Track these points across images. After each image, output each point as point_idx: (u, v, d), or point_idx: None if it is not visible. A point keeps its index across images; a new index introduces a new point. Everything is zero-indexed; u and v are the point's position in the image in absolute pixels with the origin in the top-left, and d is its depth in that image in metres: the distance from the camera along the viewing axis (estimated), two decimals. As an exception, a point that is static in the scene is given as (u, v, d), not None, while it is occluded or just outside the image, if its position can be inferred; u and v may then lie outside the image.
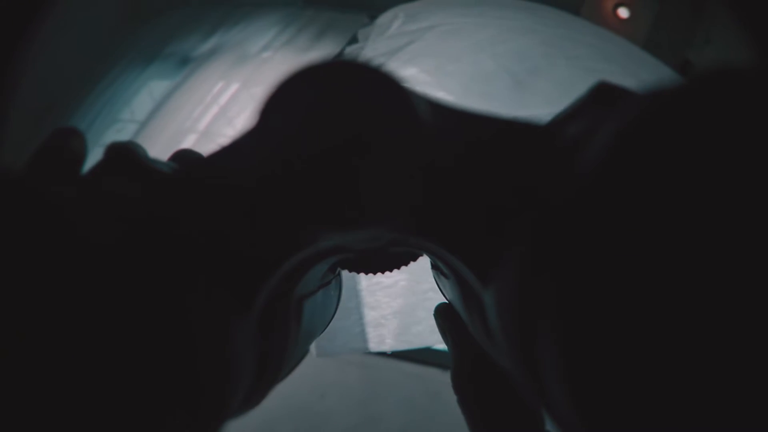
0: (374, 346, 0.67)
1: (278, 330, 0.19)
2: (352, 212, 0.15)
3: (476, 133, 0.16)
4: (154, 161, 0.17)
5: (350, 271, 0.25)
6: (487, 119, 0.16)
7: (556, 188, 0.12)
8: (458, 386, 0.22)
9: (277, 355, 0.19)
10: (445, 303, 0.26)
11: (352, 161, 0.15)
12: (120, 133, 1.26)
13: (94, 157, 0.16)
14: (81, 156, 0.16)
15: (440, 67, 0.64)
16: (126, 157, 0.16)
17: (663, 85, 0.10)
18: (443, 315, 0.25)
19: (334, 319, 0.32)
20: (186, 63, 1.24)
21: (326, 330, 0.31)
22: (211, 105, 1.14)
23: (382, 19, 0.81)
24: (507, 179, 0.15)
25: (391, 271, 0.25)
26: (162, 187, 0.16)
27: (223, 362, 0.15)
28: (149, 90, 1.27)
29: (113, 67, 1.30)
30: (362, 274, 0.25)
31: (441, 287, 0.28)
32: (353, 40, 1.19)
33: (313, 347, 0.63)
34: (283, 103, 0.15)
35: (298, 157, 0.15)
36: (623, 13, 1.36)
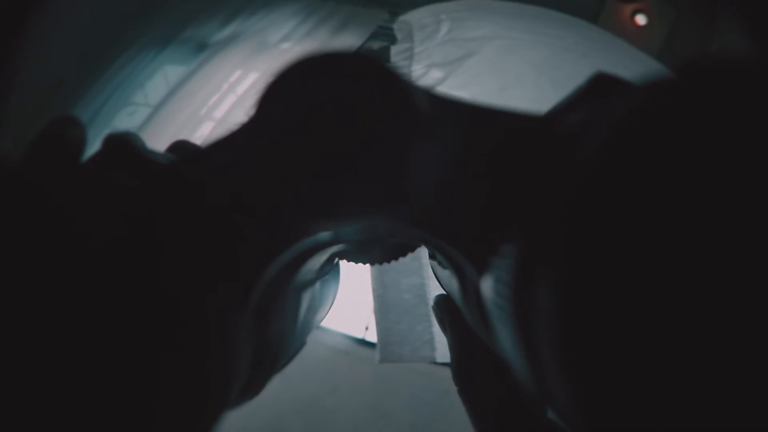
0: (441, 357, 0.64)
1: (276, 320, 0.19)
2: (349, 203, 0.15)
3: (474, 124, 0.16)
4: (152, 152, 0.17)
5: (348, 261, 0.25)
6: (485, 110, 0.16)
7: (555, 177, 0.12)
8: (458, 377, 0.22)
9: (275, 346, 0.19)
10: (443, 294, 0.26)
11: (350, 152, 0.15)
12: (132, 116, 1.24)
13: (101, 138, 0.16)
14: (80, 145, 0.16)
15: (504, 90, 0.64)
16: (124, 147, 0.16)
17: (661, 76, 0.10)
18: (441, 306, 0.25)
19: (401, 325, 0.32)
20: (203, 49, 1.22)
21: (393, 334, 0.31)
22: (228, 93, 1.13)
23: (421, 18, 0.80)
24: (505, 169, 0.15)
25: (389, 262, 0.25)
26: (159, 177, 0.16)
27: (220, 353, 0.15)
28: (164, 74, 1.26)
29: (127, 49, 1.27)
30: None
31: (439, 278, 0.28)
32: (374, 35, 1.18)
33: (377, 352, 0.62)
34: (281, 94, 0.15)
35: (296, 148, 0.15)
36: (641, 20, 1.36)
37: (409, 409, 0.96)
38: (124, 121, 1.24)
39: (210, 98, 1.13)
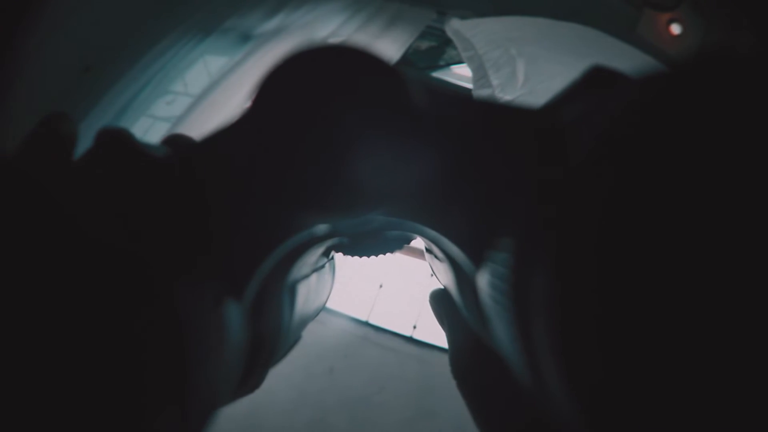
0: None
1: (272, 314, 0.19)
2: (345, 197, 0.15)
3: (471, 117, 0.16)
4: (147, 145, 0.17)
5: (344, 255, 0.25)
6: (482, 103, 0.16)
7: (553, 171, 0.11)
8: (457, 371, 0.21)
9: (271, 340, 0.20)
10: (440, 288, 0.26)
11: (345, 146, 0.15)
12: (171, 105, 1.22)
13: (138, 128, 0.16)
14: (72, 141, 0.16)
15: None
16: (118, 141, 0.16)
17: (658, 69, 0.10)
18: (438, 300, 0.25)
19: None
20: (247, 40, 1.20)
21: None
22: (248, 99, 1.11)
23: (488, 51, 0.79)
24: (501, 162, 0.15)
25: (384, 254, 0.25)
26: (154, 170, 0.16)
27: (215, 348, 0.14)
28: (205, 64, 1.24)
29: (164, 37, 1.25)
30: None
31: (435, 271, 0.28)
32: (422, 35, 1.18)
33: None
34: (278, 88, 0.15)
35: (292, 142, 0.15)
36: (676, 29, 1.38)
37: (454, 408, 0.96)
38: (163, 110, 1.22)
39: (249, 95, 1.12)
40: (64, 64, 1.16)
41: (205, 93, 1.16)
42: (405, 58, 1.14)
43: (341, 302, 1.12)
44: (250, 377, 0.18)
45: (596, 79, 0.15)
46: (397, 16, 1.18)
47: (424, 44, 1.17)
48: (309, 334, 0.28)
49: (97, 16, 1.19)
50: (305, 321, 0.27)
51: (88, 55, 1.22)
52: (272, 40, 1.18)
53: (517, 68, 0.73)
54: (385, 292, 1.18)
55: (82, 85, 1.21)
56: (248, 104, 0.15)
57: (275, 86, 0.15)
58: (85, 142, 0.16)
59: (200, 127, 1.14)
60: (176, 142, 0.18)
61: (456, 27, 0.86)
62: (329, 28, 1.17)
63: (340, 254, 0.25)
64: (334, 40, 1.20)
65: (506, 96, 0.74)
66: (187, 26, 1.23)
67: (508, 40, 0.76)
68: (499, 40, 0.77)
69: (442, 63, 1.17)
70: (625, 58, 0.78)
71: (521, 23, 0.82)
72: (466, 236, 0.16)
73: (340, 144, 0.15)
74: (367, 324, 1.11)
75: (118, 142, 0.16)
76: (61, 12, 1.07)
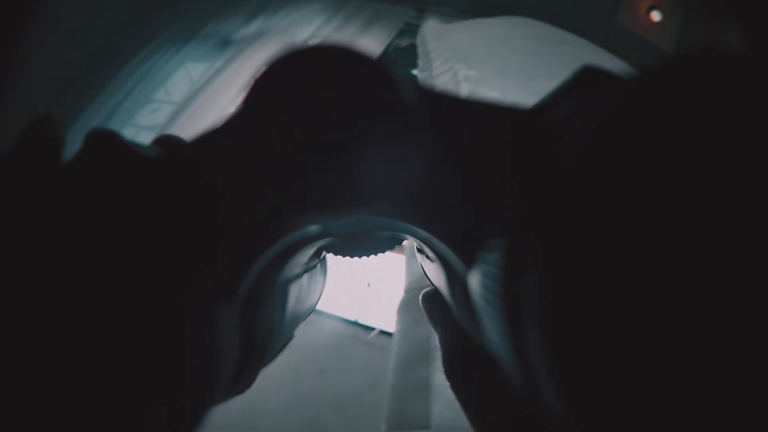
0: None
1: (263, 314, 0.19)
2: (336, 197, 0.15)
3: (461, 117, 0.16)
4: (136, 145, 0.17)
5: (335, 255, 0.25)
6: (472, 103, 0.16)
7: (543, 171, 0.11)
8: (449, 371, 0.22)
9: (262, 340, 0.19)
10: (432, 288, 0.26)
11: (337, 147, 0.15)
12: (155, 113, 1.22)
13: (127, 136, 0.16)
14: (59, 143, 0.16)
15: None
16: (107, 141, 0.16)
17: (649, 67, 0.10)
18: (430, 301, 0.24)
19: None
20: (227, 45, 1.21)
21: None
22: (238, 99, 1.12)
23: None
24: (491, 162, 0.15)
25: (376, 255, 0.25)
26: (144, 170, 0.16)
27: (206, 348, 0.14)
28: (186, 71, 1.24)
29: (146, 45, 1.25)
30: None
31: (426, 272, 0.28)
32: (401, 33, 1.18)
33: None
34: (269, 87, 0.15)
35: (282, 141, 0.15)
36: (656, 16, 1.38)
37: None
38: (147, 119, 1.22)
39: (237, 96, 1.12)
40: (47, 78, 1.16)
41: (188, 100, 1.17)
42: (385, 57, 1.14)
43: (329, 302, 1.12)
44: (241, 377, 0.18)
45: (587, 79, 0.15)
46: (376, 15, 1.18)
47: (404, 42, 1.17)
48: (298, 335, 0.27)
49: (79, 29, 1.19)
50: (297, 321, 0.27)
51: (70, 68, 1.23)
52: (252, 45, 1.18)
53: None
54: (372, 291, 1.19)
55: (65, 98, 1.21)
56: (239, 104, 0.15)
57: (266, 86, 0.15)
58: (70, 151, 0.16)
59: (184, 134, 1.13)
60: (166, 143, 0.18)
61: (424, 34, 0.86)
62: (308, 31, 1.17)
63: (332, 254, 0.25)
64: (314, 41, 1.19)
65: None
66: (167, 34, 1.23)
67: (461, 60, 0.75)
68: (452, 59, 0.76)
69: (422, 60, 1.17)
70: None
71: (481, 34, 0.82)
72: (457, 236, 0.16)
73: (331, 144, 0.15)
74: (356, 324, 1.12)
75: (107, 143, 0.16)
76: (44, 26, 1.07)
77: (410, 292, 0.68)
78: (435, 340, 0.58)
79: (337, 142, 0.15)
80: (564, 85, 0.15)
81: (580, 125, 0.11)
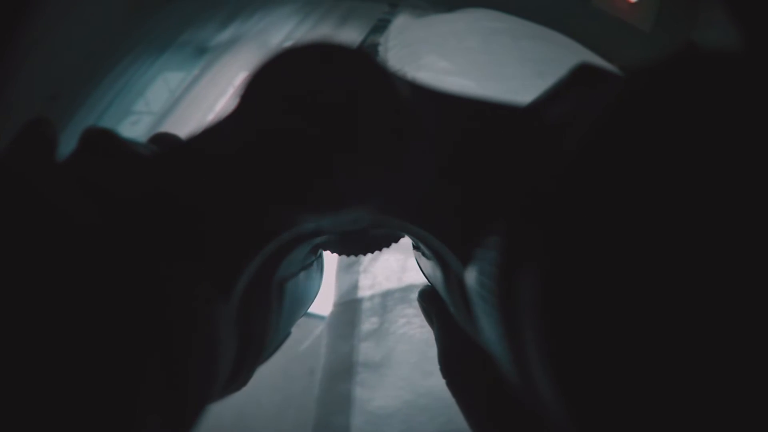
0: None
1: (260, 312, 0.19)
2: (332, 195, 0.15)
3: (457, 114, 0.16)
4: (133, 143, 0.17)
5: (332, 252, 0.25)
6: (467, 100, 0.16)
7: (540, 169, 0.12)
8: (446, 369, 0.22)
9: (259, 338, 0.20)
10: (428, 286, 0.26)
11: (331, 144, 0.15)
12: (136, 125, 1.22)
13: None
14: (54, 142, 0.16)
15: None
16: (103, 139, 0.16)
17: (645, 65, 0.10)
18: (427, 298, 0.25)
19: None
20: (203, 53, 1.21)
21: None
22: (235, 97, 1.12)
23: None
24: (488, 159, 0.15)
25: (372, 252, 0.25)
26: (141, 168, 0.16)
27: (204, 348, 0.14)
28: (164, 80, 1.24)
29: (123, 57, 1.25)
30: None
31: (423, 269, 0.28)
32: (375, 28, 1.18)
33: None
34: (263, 86, 0.15)
35: (278, 140, 0.15)
36: (632, -4, 1.38)
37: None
38: (128, 130, 1.22)
39: (216, 103, 1.13)
40: (32, 93, 1.17)
41: (167, 110, 1.17)
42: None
43: (316, 302, 1.12)
44: (238, 374, 0.19)
45: (583, 77, 0.15)
46: (349, 13, 1.18)
47: (379, 38, 1.17)
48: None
49: (61, 45, 1.20)
50: (294, 318, 0.27)
51: (54, 83, 1.23)
52: (228, 51, 1.18)
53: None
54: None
55: (49, 113, 1.22)
56: (235, 105, 0.15)
57: (262, 83, 0.15)
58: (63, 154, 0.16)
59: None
60: (162, 140, 0.18)
61: (389, 31, 0.86)
62: (282, 33, 1.17)
63: (328, 252, 0.25)
64: (288, 44, 1.20)
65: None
66: (144, 45, 1.24)
67: (412, 61, 0.75)
68: (405, 58, 0.76)
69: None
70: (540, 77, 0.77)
71: (439, 32, 0.82)
72: (454, 234, 0.16)
73: (327, 142, 0.15)
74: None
75: (104, 140, 0.16)
76: (28, 43, 1.08)
77: (338, 306, 0.69)
78: (357, 355, 0.59)
79: (333, 139, 0.15)
80: (560, 83, 0.15)
81: (576, 125, 0.11)
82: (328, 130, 0.15)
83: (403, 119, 0.15)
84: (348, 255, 0.25)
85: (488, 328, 0.14)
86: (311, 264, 0.28)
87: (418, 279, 0.67)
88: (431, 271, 0.23)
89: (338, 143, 0.15)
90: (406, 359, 0.60)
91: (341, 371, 0.65)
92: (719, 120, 0.09)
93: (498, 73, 0.69)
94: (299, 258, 0.24)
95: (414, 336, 0.62)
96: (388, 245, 0.25)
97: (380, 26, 1.17)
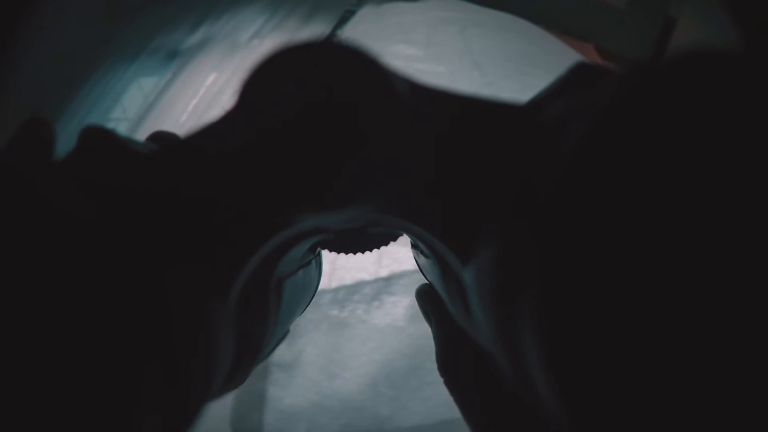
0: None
1: (258, 311, 0.19)
2: (330, 193, 0.15)
3: (455, 112, 0.16)
4: (131, 141, 0.17)
5: (330, 251, 0.25)
6: (466, 98, 0.16)
7: (538, 166, 0.11)
8: (443, 368, 0.22)
9: (257, 336, 0.20)
10: (426, 284, 0.26)
11: (330, 142, 0.15)
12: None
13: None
14: (51, 141, 0.16)
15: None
16: (101, 137, 0.16)
17: (642, 64, 0.10)
18: (425, 296, 0.25)
19: None
20: (174, 57, 1.22)
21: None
22: (207, 97, 1.13)
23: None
24: (486, 158, 0.15)
25: (371, 251, 0.25)
26: (139, 166, 0.16)
27: (202, 346, 0.15)
28: (139, 86, 1.25)
29: (98, 67, 1.26)
30: None
31: (421, 267, 0.28)
32: (342, 20, 1.18)
33: None
34: (261, 86, 0.15)
35: (276, 138, 0.15)
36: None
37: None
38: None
39: (189, 105, 1.13)
40: (16, 105, 1.18)
41: (142, 115, 1.18)
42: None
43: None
44: (237, 373, 0.19)
45: (582, 75, 0.15)
46: (316, 7, 1.19)
47: (345, 29, 1.17)
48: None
49: (42, 58, 1.21)
50: (292, 316, 0.27)
51: (36, 96, 1.24)
52: (199, 53, 1.19)
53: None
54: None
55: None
56: (231, 103, 0.15)
57: (260, 83, 0.15)
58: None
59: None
60: (161, 140, 0.19)
61: (353, 21, 0.87)
62: (250, 31, 1.18)
63: (326, 250, 0.25)
64: (257, 42, 1.21)
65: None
66: (115, 54, 1.25)
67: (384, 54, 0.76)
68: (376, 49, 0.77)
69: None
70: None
71: (386, 24, 0.82)
72: (452, 232, 0.16)
73: (326, 140, 0.15)
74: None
75: (102, 139, 0.16)
76: (12, 57, 1.09)
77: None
78: (272, 356, 0.62)
79: (331, 138, 0.15)
80: (559, 81, 0.15)
81: (574, 123, 0.11)
82: (327, 129, 0.15)
83: (402, 117, 0.15)
84: (346, 253, 0.25)
85: (486, 327, 0.14)
86: (309, 262, 0.28)
87: (327, 286, 0.69)
88: (429, 269, 0.23)
89: (338, 142, 0.15)
90: (314, 361, 0.66)
91: (257, 371, 0.69)
92: (719, 120, 0.09)
93: (432, 72, 0.70)
94: (298, 256, 0.24)
95: (321, 340, 0.67)
96: (386, 243, 0.25)
97: (347, 18, 1.17)
